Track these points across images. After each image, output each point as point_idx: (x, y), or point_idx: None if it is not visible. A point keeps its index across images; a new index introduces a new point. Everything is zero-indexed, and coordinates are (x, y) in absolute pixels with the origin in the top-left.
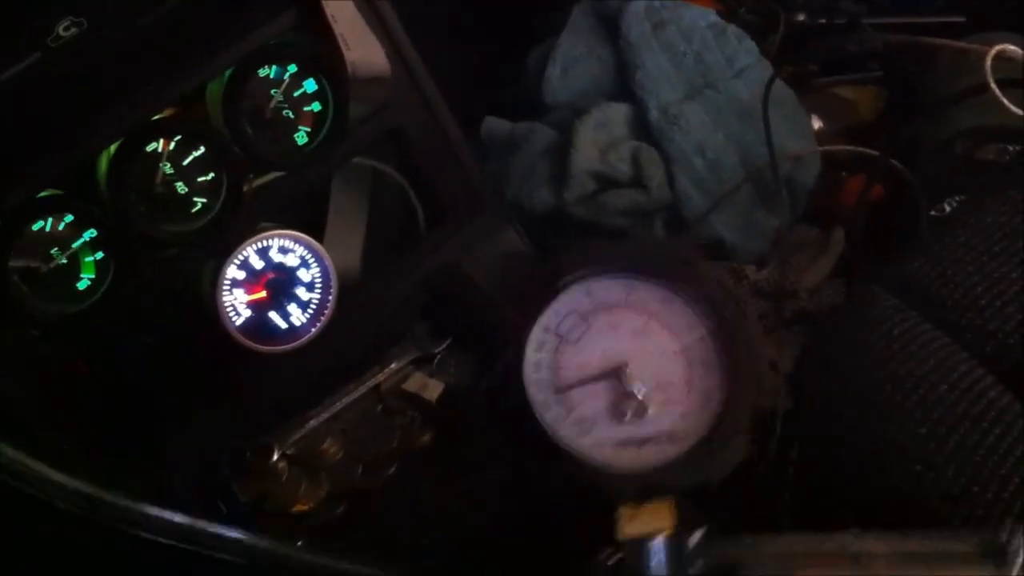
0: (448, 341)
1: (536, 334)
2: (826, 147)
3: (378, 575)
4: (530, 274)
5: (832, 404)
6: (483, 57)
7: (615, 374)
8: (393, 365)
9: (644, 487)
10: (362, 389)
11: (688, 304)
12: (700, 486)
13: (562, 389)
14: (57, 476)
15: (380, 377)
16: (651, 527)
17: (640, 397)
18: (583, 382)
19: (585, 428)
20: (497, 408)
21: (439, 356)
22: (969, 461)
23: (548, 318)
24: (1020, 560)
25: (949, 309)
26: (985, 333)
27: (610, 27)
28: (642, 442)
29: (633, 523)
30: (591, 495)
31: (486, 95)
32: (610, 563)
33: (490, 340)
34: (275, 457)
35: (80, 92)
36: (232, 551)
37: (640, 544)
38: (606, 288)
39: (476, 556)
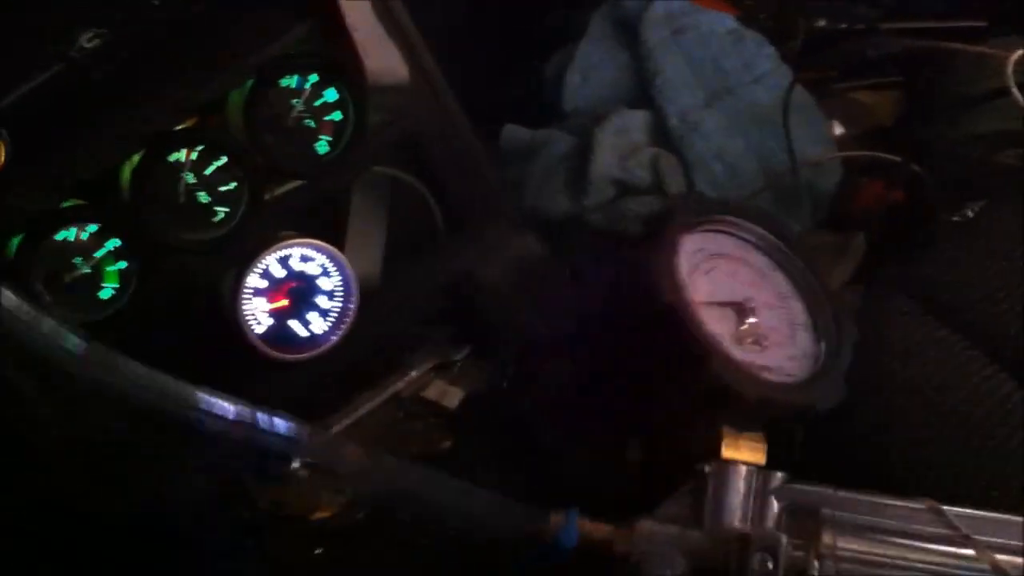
0: (468, 348)
1: (682, 246)
2: (846, 152)
3: None
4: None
5: (849, 409)
6: (500, 63)
7: (740, 305)
8: (413, 372)
9: (766, 398)
10: (382, 396)
11: (784, 272)
12: (810, 411)
13: (694, 303)
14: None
15: (400, 384)
16: (748, 456)
17: (759, 324)
18: (712, 303)
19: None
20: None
21: (459, 363)
22: (988, 467)
23: (686, 244)
24: None
25: (968, 314)
26: (1005, 338)
27: (629, 33)
28: (758, 368)
29: (733, 448)
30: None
31: (503, 101)
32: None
33: (508, 347)
34: (295, 464)
35: (103, 102)
36: None
37: (730, 465)
38: (721, 240)
39: (492, 563)
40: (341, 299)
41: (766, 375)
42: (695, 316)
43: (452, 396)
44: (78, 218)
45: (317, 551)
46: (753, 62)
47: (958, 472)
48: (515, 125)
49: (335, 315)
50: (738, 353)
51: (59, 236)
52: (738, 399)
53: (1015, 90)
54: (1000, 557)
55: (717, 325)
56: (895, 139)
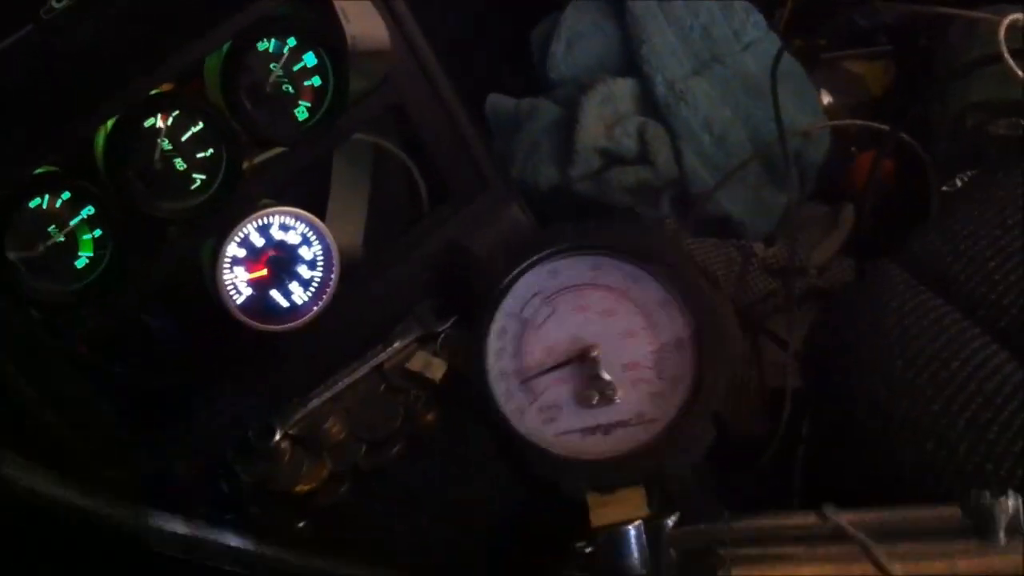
0: (453, 320)
1: (499, 320)
2: (836, 122)
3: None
4: (491, 258)
5: (844, 381)
6: (486, 32)
7: (582, 357)
8: (396, 344)
9: (604, 477)
10: (365, 368)
11: (657, 280)
12: (671, 472)
13: (527, 376)
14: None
15: (383, 356)
16: (623, 515)
17: (609, 379)
18: (549, 368)
19: (551, 416)
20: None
21: (443, 335)
22: (983, 437)
23: (510, 303)
24: (1003, 529)
25: (961, 284)
26: (998, 307)
27: (615, 1)
28: (610, 427)
29: (604, 511)
30: (549, 490)
31: (489, 71)
32: (587, 551)
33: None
34: (277, 437)
35: (75, 66)
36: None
37: (613, 532)
38: (571, 267)
39: (476, 537)
40: (322, 269)
41: (614, 438)
42: (507, 423)
43: (436, 368)
44: (51, 185)
45: (300, 524)
46: (742, 30)
47: (955, 444)
48: (499, 94)
49: (316, 285)
50: (580, 418)
51: (32, 204)
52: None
53: (1008, 57)
54: (902, 565)
55: (557, 389)
56: (886, 109)
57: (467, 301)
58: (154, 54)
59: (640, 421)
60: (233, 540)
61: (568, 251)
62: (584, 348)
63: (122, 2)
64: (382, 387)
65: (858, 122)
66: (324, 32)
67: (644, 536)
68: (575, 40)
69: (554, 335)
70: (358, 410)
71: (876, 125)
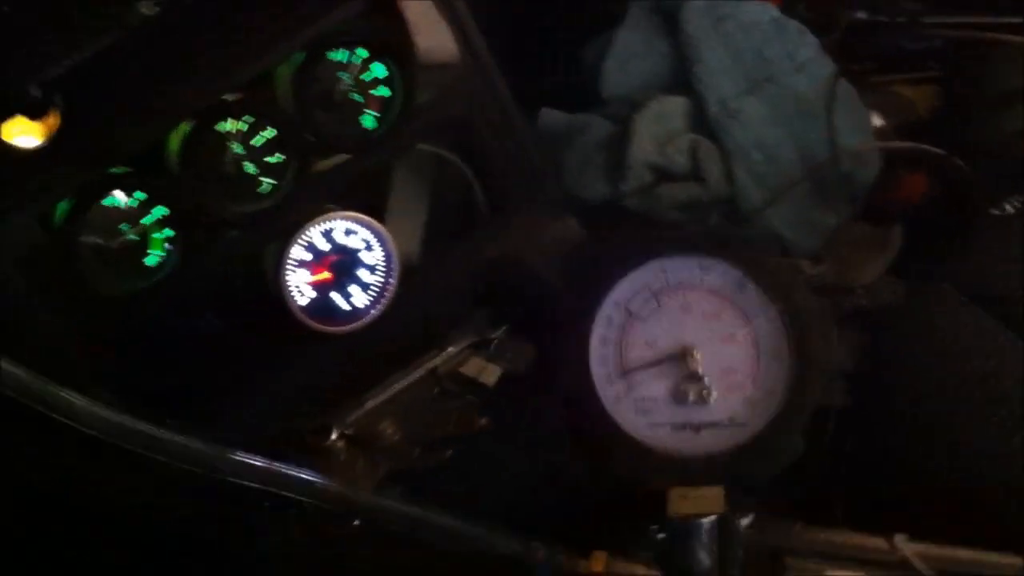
0: (506, 327)
1: (606, 309)
2: (887, 144)
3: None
4: (603, 248)
5: (896, 400)
6: (539, 48)
7: (682, 356)
8: (451, 349)
9: (690, 474)
10: (420, 372)
11: (763, 291)
12: (751, 480)
13: (627, 368)
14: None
15: (438, 360)
16: (701, 508)
17: (705, 380)
18: (649, 362)
19: (645, 407)
20: (554, 384)
21: (497, 341)
22: None
23: (620, 292)
24: None
25: (1014, 304)
26: None
27: (668, 21)
28: (700, 427)
29: (684, 502)
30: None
31: (540, 86)
32: (658, 537)
33: (547, 326)
34: (333, 437)
35: (156, 70)
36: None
37: (689, 523)
38: (681, 267)
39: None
40: (383, 274)
41: (702, 438)
42: (602, 410)
43: (490, 373)
44: (126, 185)
45: (355, 522)
46: (795, 51)
47: (1007, 461)
48: (551, 109)
49: (376, 289)
50: (673, 414)
51: (107, 202)
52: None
53: None
54: None
55: (655, 384)
56: (934, 133)
57: (520, 309)
58: (230, 61)
59: (731, 424)
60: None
61: (680, 251)
62: (685, 347)
63: (202, 10)
64: (436, 391)
65: (911, 145)
66: (394, 44)
67: (717, 531)
68: (628, 58)
69: (657, 331)
70: (412, 413)
71: (930, 149)
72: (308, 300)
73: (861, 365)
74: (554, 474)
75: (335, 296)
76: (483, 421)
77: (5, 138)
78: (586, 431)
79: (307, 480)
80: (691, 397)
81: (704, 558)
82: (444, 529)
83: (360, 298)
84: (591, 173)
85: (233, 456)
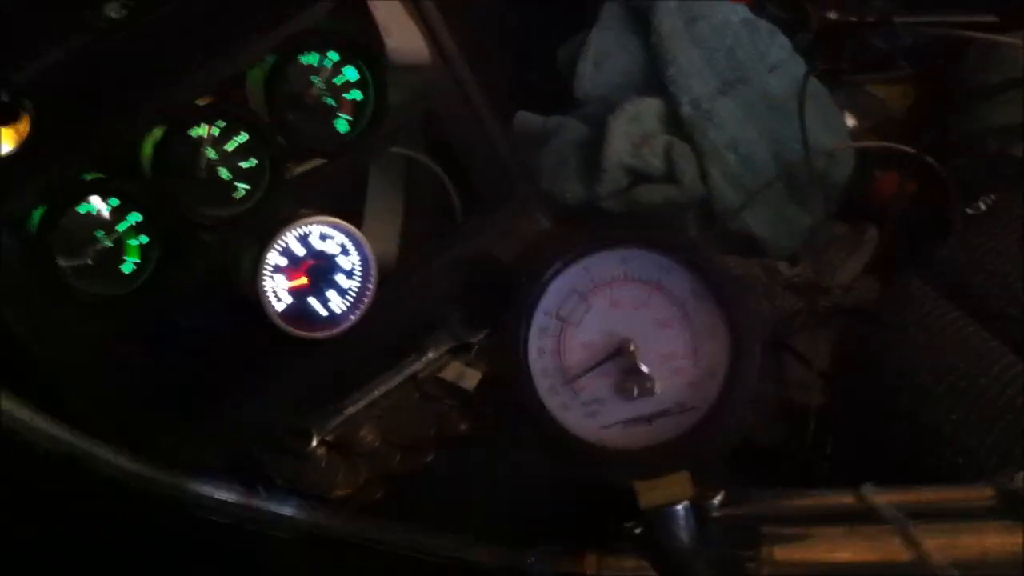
0: (486, 330)
1: (537, 320)
2: (860, 143)
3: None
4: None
5: (871, 395)
6: (512, 49)
7: (620, 351)
8: (430, 353)
9: (650, 465)
10: (400, 377)
11: (688, 271)
12: (710, 458)
13: (569, 374)
14: (105, 453)
15: (417, 365)
16: (670, 496)
17: (647, 371)
18: (589, 365)
19: (593, 410)
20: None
21: (477, 345)
22: (1011, 452)
23: (548, 301)
24: None
25: (985, 299)
26: (1021, 322)
27: (642, 22)
28: (652, 417)
29: (652, 493)
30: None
31: (514, 87)
32: (636, 532)
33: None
34: (314, 443)
35: (126, 74)
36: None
37: (661, 512)
38: (603, 263)
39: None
40: (360, 278)
41: (656, 427)
42: (552, 420)
43: (470, 378)
44: (100, 191)
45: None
46: (767, 52)
47: (981, 456)
48: (526, 111)
49: (354, 294)
50: (622, 411)
51: (81, 209)
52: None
53: None
54: (933, 542)
55: (598, 384)
56: (908, 131)
57: (498, 310)
58: (200, 64)
59: (681, 410)
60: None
61: (597, 247)
62: (621, 342)
63: (171, 14)
64: (416, 396)
65: (884, 144)
66: (365, 46)
67: (691, 514)
68: (602, 59)
69: (592, 332)
70: (392, 418)
71: (900, 147)
72: (285, 306)
73: (838, 364)
74: (538, 476)
75: (312, 301)
76: (463, 425)
77: None
78: (543, 443)
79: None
80: (636, 391)
81: (683, 541)
82: (432, 545)
83: (338, 303)
84: (567, 175)
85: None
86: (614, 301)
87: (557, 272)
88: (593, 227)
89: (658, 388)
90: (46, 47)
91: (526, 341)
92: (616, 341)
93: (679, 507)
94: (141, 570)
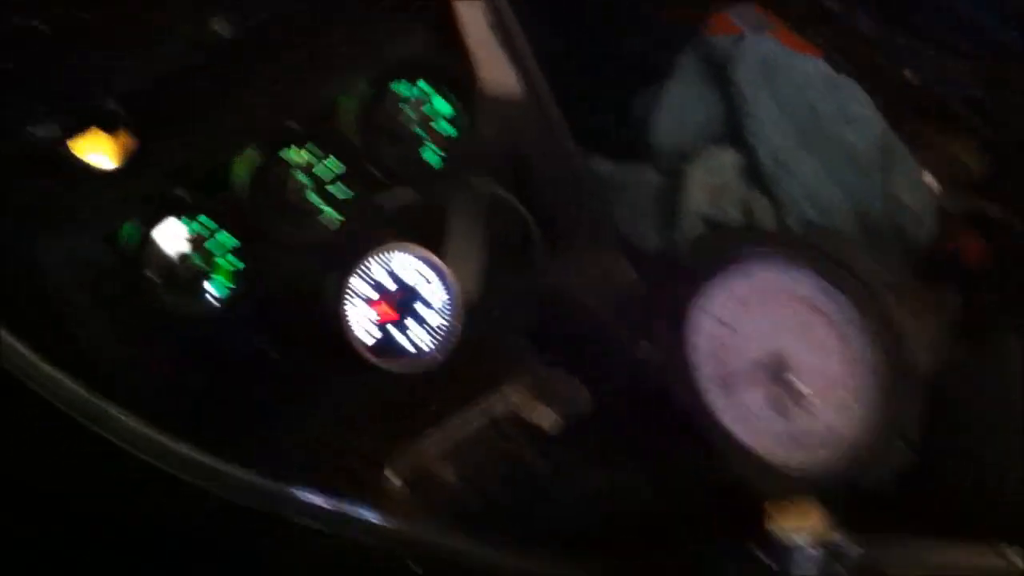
0: (561, 370)
1: (694, 316)
2: (940, 201)
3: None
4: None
5: (963, 451)
6: (586, 96)
7: (778, 365)
8: (507, 390)
9: (800, 485)
10: (476, 413)
11: (851, 300)
12: (855, 486)
13: (724, 378)
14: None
15: (494, 402)
16: (799, 524)
17: (802, 390)
18: (743, 371)
19: (746, 419)
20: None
21: (552, 385)
22: None
23: (708, 302)
24: None
25: None
26: None
27: (719, 74)
28: (800, 437)
29: (782, 518)
30: (742, 487)
31: (588, 134)
32: (757, 554)
33: (603, 368)
34: (389, 475)
35: (224, 95)
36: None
37: (789, 540)
38: (767, 273)
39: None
40: (444, 312)
41: (803, 448)
42: (706, 409)
43: (545, 417)
44: (193, 209)
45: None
46: (847, 107)
47: None
48: (600, 157)
49: (437, 327)
50: (772, 424)
51: (174, 227)
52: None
53: None
54: None
55: (751, 393)
56: (985, 192)
57: (576, 350)
58: (296, 89)
59: (830, 435)
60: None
61: (766, 256)
62: (780, 356)
63: (273, 35)
64: (492, 434)
65: (965, 203)
66: (458, 79)
67: (817, 547)
68: (678, 109)
69: (751, 341)
70: (468, 456)
71: (983, 206)
72: (367, 334)
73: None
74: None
75: (395, 332)
76: (539, 465)
77: (79, 154)
78: (695, 438)
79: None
80: (789, 407)
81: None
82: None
83: (420, 336)
84: (642, 222)
85: (298, 495)
86: (775, 314)
87: (719, 275)
88: (762, 237)
89: (812, 409)
90: (151, 60)
91: (685, 337)
92: (775, 355)
93: (805, 536)
94: (141, 570)
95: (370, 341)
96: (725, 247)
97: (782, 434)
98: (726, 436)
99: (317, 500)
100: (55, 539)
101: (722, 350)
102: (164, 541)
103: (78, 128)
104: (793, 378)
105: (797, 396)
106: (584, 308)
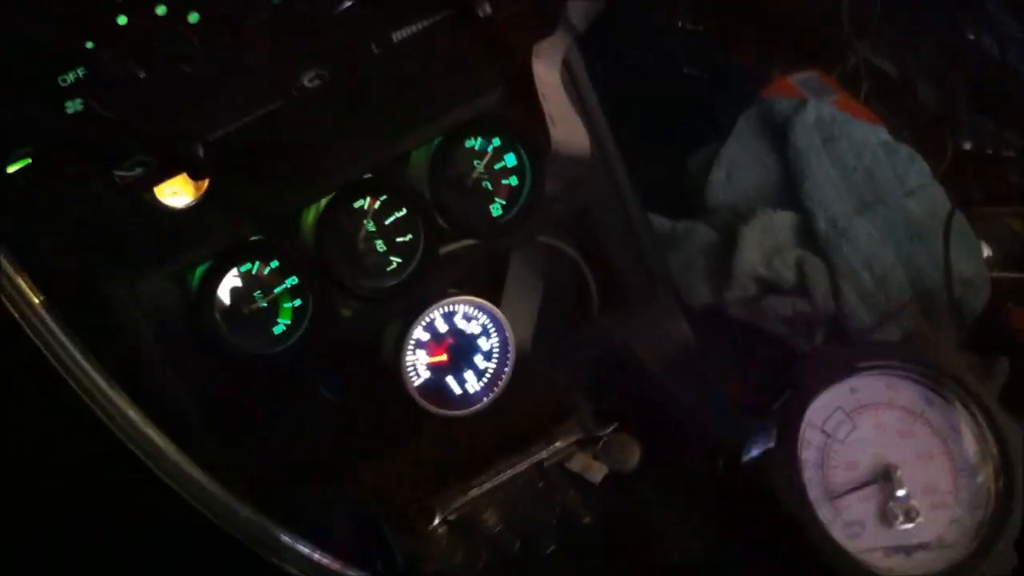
0: (614, 425)
1: (803, 432)
2: (999, 274)
3: None
4: (796, 368)
5: None
6: (641, 152)
7: (884, 476)
8: (558, 443)
9: None
10: (526, 463)
11: (953, 406)
12: None
13: (832, 491)
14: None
15: (544, 454)
16: None
17: (910, 501)
18: (852, 484)
19: (855, 531)
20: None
21: (604, 439)
22: None
23: (814, 414)
24: None
25: None
26: None
27: (778, 136)
28: (912, 549)
29: None
30: None
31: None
32: None
33: (656, 427)
34: (436, 521)
35: (303, 144)
36: None
37: None
38: (870, 385)
39: None
40: (497, 361)
41: (916, 560)
42: (820, 529)
43: (596, 471)
44: (264, 253)
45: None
46: (905, 175)
47: None
48: (654, 214)
49: (490, 376)
50: (882, 537)
51: (243, 268)
52: None
53: None
54: None
55: (861, 505)
56: None
57: (630, 406)
58: (373, 140)
59: (940, 545)
60: None
61: (867, 369)
62: (887, 466)
63: (355, 89)
64: (541, 484)
65: (1021, 276)
66: (528, 135)
67: None
68: (735, 169)
69: (856, 452)
70: (516, 504)
71: None
72: (423, 381)
73: None
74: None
75: (449, 379)
76: (587, 519)
77: (159, 196)
78: (806, 554)
79: None
80: (899, 518)
81: None
82: None
83: (473, 383)
84: (695, 278)
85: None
86: (879, 424)
87: (824, 388)
88: (864, 350)
89: (920, 519)
90: (240, 108)
91: (796, 451)
92: (881, 465)
93: None
94: (141, 570)
95: (418, 382)
96: (831, 365)
97: (891, 546)
98: (839, 551)
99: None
100: (55, 539)
101: (830, 463)
102: (164, 541)
103: (165, 173)
104: (903, 488)
105: (906, 507)
106: (640, 364)
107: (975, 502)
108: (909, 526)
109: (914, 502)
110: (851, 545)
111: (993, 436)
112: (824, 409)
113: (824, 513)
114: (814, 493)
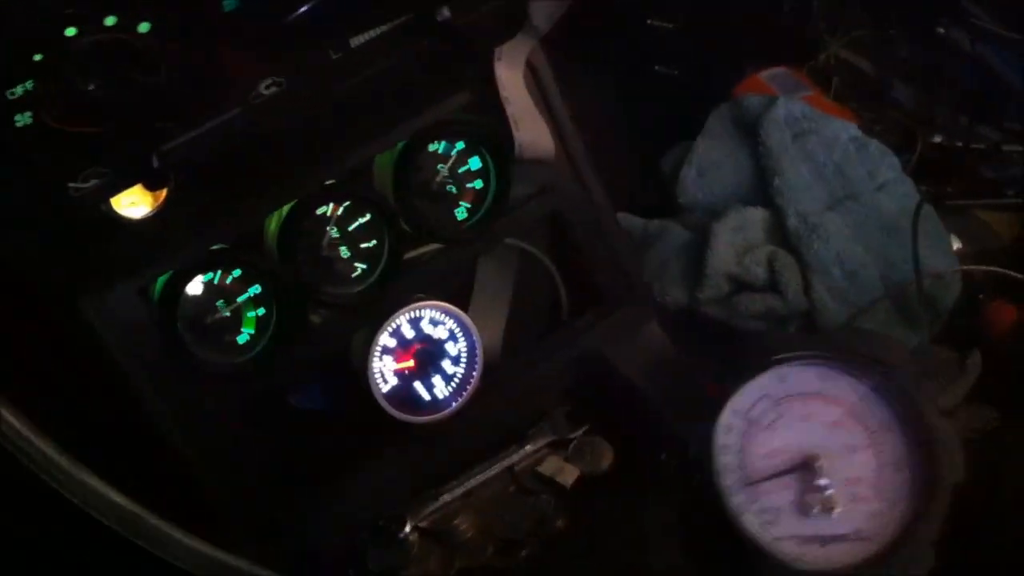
0: (585, 427)
1: (726, 416)
2: (970, 267)
3: None
4: (728, 355)
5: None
6: (612, 153)
7: (805, 466)
8: (529, 447)
9: None
10: (497, 468)
11: (884, 401)
12: None
13: (750, 477)
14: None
15: (515, 458)
16: None
17: (829, 492)
18: (771, 472)
19: (770, 519)
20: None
21: (575, 442)
22: None
23: (739, 401)
24: None
25: None
26: None
27: (748, 133)
28: (828, 540)
29: None
30: None
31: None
32: None
33: (628, 429)
34: (407, 529)
35: (263, 152)
36: None
37: None
38: (801, 375)
39: None
40: (465, 365)
41: (830, 552)
42: (733, 511)
43: (567, 474)
44: (225, 262)
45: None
46: (877, 170)
47: None
48: (627, 214)
49: (458, 380)
50: (799, 527)
51: (205, 278)
52: None
53: None
54: None
55: (778, 494)
56: (1014, 258)
57: (602, 409)
58: (336, 147)
59: (857, 538)
60: None
61: (798, 359)
62: (808, 457)
63: (315, 95)
64: (513, 488)
65: (993, 269)
66: (493, 138)
67: None
68: (707, 168)
69: (779, 440)
70: (488, 509)
71: (1011, 273)
72: (391, 387)
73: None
74: None
75: (418, 385)
76: (560, 522)
77: (116, 207)
78: (715, 537)
79: None
80: (815, 509)
81: None
82: None
83: (442, 389)
84: (668, 279)
85: None
86: (807, 415)
87: (753, 374)
88: (794, 340)
89: (838, 510)
90: (198, 118)
91: (714, 434)
92: (803, 454)
93: None
94: (141, 570)
95: (386, 389)
96: (764, 353)
97: (805, 536)
98: (747, 537)
99: None
100: (55, 539)
101: (751, 450)
102: None
103: (120, 185)
104: (821, 479)
105: (824, 497)
106: (612, 366)
107: (897, 497)
108: (825, 517)
109: (833, 493)
110: (763, 532)
111: (923, 432)
112: (749, 396)
113: (739, 499)
114: (731, 479)
